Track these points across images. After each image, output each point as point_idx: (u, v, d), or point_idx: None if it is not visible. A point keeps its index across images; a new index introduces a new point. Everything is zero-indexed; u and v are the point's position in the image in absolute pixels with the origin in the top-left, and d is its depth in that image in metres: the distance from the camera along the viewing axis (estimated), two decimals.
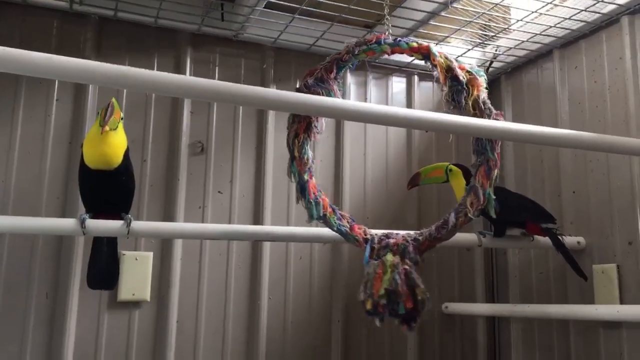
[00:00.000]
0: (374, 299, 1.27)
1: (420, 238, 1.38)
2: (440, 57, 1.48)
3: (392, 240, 1.38)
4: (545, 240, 1.97)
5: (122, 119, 1.63)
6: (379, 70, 2.56)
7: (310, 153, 1.60)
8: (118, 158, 1.61)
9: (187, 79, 1.22)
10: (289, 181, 1.60)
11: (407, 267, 1.30)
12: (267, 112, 2.31)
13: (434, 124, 1.37)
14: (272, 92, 1.17)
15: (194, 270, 2.13)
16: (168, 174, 2.15)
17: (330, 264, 2.33)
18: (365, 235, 1.47)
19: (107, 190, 1.64)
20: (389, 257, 1.33)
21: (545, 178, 2.33)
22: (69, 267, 1.96)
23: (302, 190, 1.57)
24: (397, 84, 2.60)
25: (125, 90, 2.14)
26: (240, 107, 2.29)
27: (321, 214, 1.55)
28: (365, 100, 2.51)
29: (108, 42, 2.15)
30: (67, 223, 1.53)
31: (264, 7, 2.08)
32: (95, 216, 1.62)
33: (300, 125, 1.61)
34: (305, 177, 1.57)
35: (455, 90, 1.46)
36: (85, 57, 2.06)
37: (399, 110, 1.48)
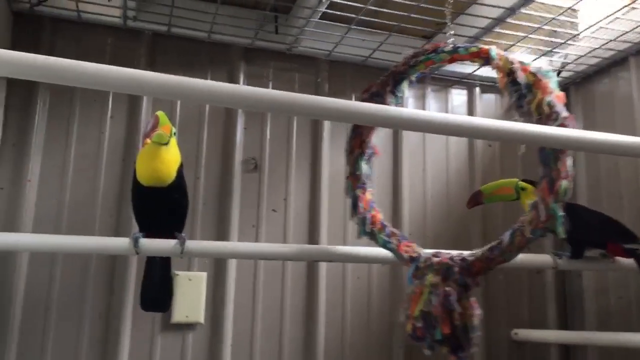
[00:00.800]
0: (412, 321, 1.22)
1: (470, 259, 1.28)
2: (501, 59, 1.36)
3: (436, 260, 1.29)
4: (629, 262, 1.80)
5: (174, 134, 1.59)
6: (438, 82, 2.46)
7: (365, 168, 1.54)
8: (171, 174, 1.57)
9: (243, 88, 1.15)
10: (345, 198, 1.56)
11: (448, 288, 1.21)
12: (321, 127, 2.25)
13: (491, 132, 1.20)
14: (329, 100, 1.08)
15: (249, 291, 2.06)
16: (221, 191, 2.11)
17: (389, 284, 2.24)
18: (413, 253, 1.39)
19: (161, 208, 1.59)
20: (429, 277, 1.26)
21: (622, 193, 2.16)
22: (123, 288, 1.93)
23: (354, 206, 1.53)
24: (458, 96, 2.49)
25: (178, 107, 2.11)
26: (294, 123, 2.23)
27: (368, 230, 1.50)
28: None
29: (161, 58, 2.14)
30: (120, 242, 1.48)
31: (319, 19, 2.02)
32: (148, 235, 1.57)
33: (356, 141, 1.57)
34: (358, 192, 1.53)
35: (519, 95, 1.34)
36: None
37: (459, 118, 1.30)
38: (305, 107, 1.12)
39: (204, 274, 2.01)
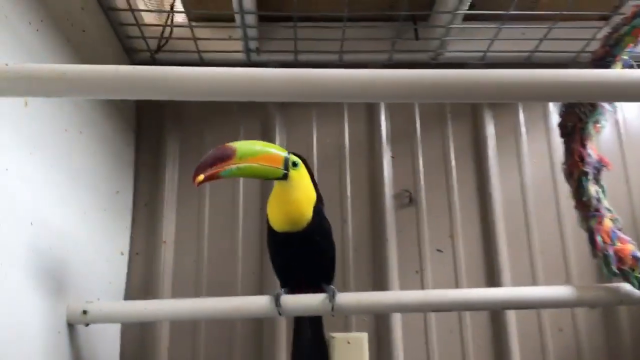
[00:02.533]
0: None
1: None
2: None
3: None
4: None
5: (293, 164, 1.33)
6: None
7: (592, 191, 1.19)
8: (305, 215, 1.31)
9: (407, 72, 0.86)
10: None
11: None
12: (485, 144, 1.88)
13: None
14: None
15: (420, 353, 1.70)
16: (374, 234, 1.81)
17: (604, 335, 1.73)
18: None
19: (301, 257, 1.34)
20: None
21: None
22: (273, 354, 1.66)
23: (591, 241, 1.24)
24: None
25: (314, 143, 1.87)
26: (450, 143, 1.90)
27: (615, 270, 1.17)
28: None
29: None
30: (260, 302, 1.24)
31: (464, 21, 1.72)
32: (292, 290, 1.31)
33: (572, 160, 1.27)
34: (592, 223, 1.23)
35: None
36: (268, 106, 1.88)
37: None
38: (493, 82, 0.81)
39: (365, 335, 1.67)
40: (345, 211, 1.83)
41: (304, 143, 1.90)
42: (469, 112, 1.94)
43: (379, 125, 1.90)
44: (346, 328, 1.71)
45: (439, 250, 1.80)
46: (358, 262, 1.78)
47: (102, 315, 1.27)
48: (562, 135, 1.25)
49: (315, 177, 1.40)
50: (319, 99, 0.98)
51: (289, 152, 1.33)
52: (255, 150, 1.27)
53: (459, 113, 1.94)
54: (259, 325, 1.71)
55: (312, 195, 1.34)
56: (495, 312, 1.73)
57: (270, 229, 1.34)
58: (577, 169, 1.17)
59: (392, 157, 1.89)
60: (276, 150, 1.31)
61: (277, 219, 1.32)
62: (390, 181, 1.86)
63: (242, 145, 1.27)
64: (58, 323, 1.24)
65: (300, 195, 1.31)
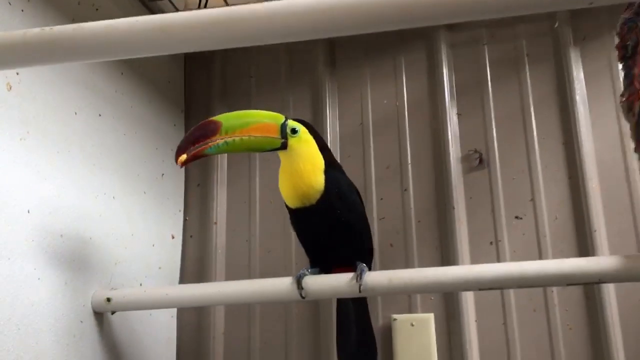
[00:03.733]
0: None
1: None
2: None
3: None
4: None
5: (294, 131, 1.18)
6: None
7: None
8: (315, 186, 1.16)
9: None
10: (628, 182, 0.96)
11: None
12: (573, 88, 1.59)
13: None
14: None
15: (498, 336, 1.48)
16: (439, 201, 1.62)
17: None
18: None
19: (323, 233, 1.20)
20: None
21: None
22: (330, 342, 1.54)
23: None
24: None
25: (369, 104, 1.71)
26: (530, 92, 1.64)
27: None
28: None
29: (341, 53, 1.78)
30: (281, 284, 1.11)
31: None
32: (324, 270, 1.18)
33: (633, 90, 0.99)
34: None
35: None
36: (317, 71, 1.75)
37: None
38: None
39: (431, 316, 1.51)
40: (405, 178, 1.65)
41: (358, 107, 1.74)
42: (550, 52, 1.65)
43: (441, 79, 1.68)
44: (410, 308, 1.55)
45: (517, 218, 1.56)
46: (422, 235, 1.60)
47: (125, 302, 1.23)
48: (621, 59, 0.98)
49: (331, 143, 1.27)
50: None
51: (286, 118, 1.19)
52: (244, 122, 1.16)
53: (538, 54, 1.66)
54: (314, 309, 1.61)
55: (319, 162, 1.18)
56: (589, 287, 1.46)
57: (287, 207, 1.22)
58: (638, 100, 0.90)
59: (458, 115, 1.67)
60: (270, 119, 1.18)
61: (288, 194, 1.19)
62: (456, 142, 1.65)
63: (228, 118, 1.16)
64: (83, 311, 1.23)
65: (304, 164, 1.17)
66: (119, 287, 1.33)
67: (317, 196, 1.15)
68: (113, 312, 1.29)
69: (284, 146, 1.17)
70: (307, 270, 1.17)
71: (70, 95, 1.29)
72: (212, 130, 1.12)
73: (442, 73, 1.69)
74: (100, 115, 1.38)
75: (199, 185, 1.78)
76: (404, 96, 1.72)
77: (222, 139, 1.13)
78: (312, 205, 1.15)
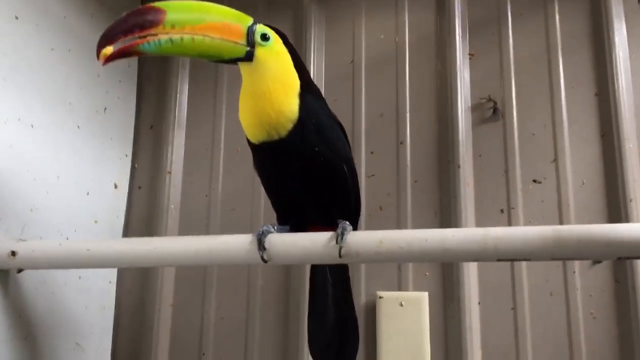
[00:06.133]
0: None
1: None
2: None
3: None
4: None
5: (264, 38, 0.91)
6: None
7: None
8: (285, 111, 0.90)
9: None
10: None
11: None
12: (611, 26, 1.33)
13: None
14: None
15: (506, 323, 1.26)
16: (441, 158, 1.37)
17: None
18: None
19: (292, 178, 0.93)
20: None
21: None
22: (300, 318, 1.30)
23: None
24: None
25: (363, 35, 1.44)
26: (558, 31, 1.38)
27: None
28: None
29: None
30: (238, 243, 0.85)
31: None
32: (298, 230, 0.92)
33: None
34: None
35: None
36: None
37: None
38: None
39: (425, 295, 1.26)
40: (402, 129, 1.40)
41: (349, 42, 1.48)
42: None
43: (452, 12, 1.42)
44: (400, 284, 1.30)
45: (535, 182, 1.31)
46: (418, 198, 1.35)
47: (35, 259, 0.97)
48: None
49: (302, 59, 0.96)
50: None
51: (255, 22, 0.92)
52: (197, 17, 0.87)
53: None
54: (283, 279, 1.36)
55: (293, 81, 0.92)
56: (616, 263, 1.22)
57: (249, 142, 0.95)
58: None
59: (470, 56, 1.41)
60: (234, 19, 0.90)
61: (249, 122, 0.92)
62: (466, 87, 1.39)
63: (177, 8, 0.87)
64: None
65: (273, 82, 0.90)
66: (32, 240, 1.06)
67: (289, 126, 0.89)
68: (19, 270, 1.03)
69: (248, 57, 0.90)
70: (274, 228, 0.92)
71: None
72: (153, 20, 0.84)
73: (453, 4, 1.42)
74: (17, 18, 1.10)
75: (152, 127, 1.51)
76: (405, 30, 1.46)
77: (166, 33, 0.85)
78: (282, 139, 0.89)
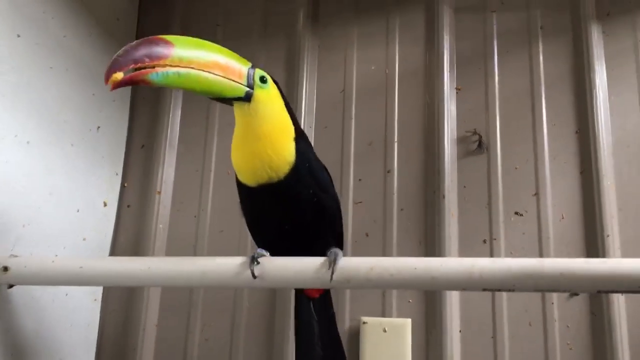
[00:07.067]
0: None
1: None
2: None
3: None
4: None
5: (263, 80, 0.96)
6: None
7: None
8: (285, 154, 0.94)
9: None
10: None
11: None
12: (592, 68, 1.42)
13: None
14: None
15: (485, 351, 1.29)
16: (427, 188, 1.42)
17: None
18: None
19: (286, 217, 0.97)
20: None
21: None
22: (285, 341, 1.32)
23: None
24: None
25: (354, 67, 1.50)
26: (541, 69, 1.46)
27: None
28: None
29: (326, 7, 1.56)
30: (226, 264, 0.89)
31: None
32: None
33: None
34: None
35: None
36: (296, 24, 1.55)
37: None
38: None
39: (408, 322, 1.30)
40: (390, 158, 1.44)
41: (340, 71, 1.53)
42: (568, 26, 1.47)
43: (441, 47, 1.48)
44: (384, 312, 1.34)
45: (517, 214, 1.37)
46: (404, 226, 1.39)
47: (27, 274, 0.98)
48: None
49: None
50: None
51: (252, 65, 0.96)
52: (204, 54, 0.91)
53: (554, 28, 1.48)
54: (269, 303, 1.38)
55: (289, 126, 0.96)
56: (596, 296, 1.28)
57: (240, 184, 0.97)
58: None
59: (457, 89, 1.47)
60: (236, 59, 0.95)
61: (246, 166, 0.95)
62: (453, 120, 1.45)
63: (185, 43, 0.91)
64: None
65: (273, 125, 0.94)
66: (22, 256, 1.08)
67: (286, 169, 0.92)
68: (10, 286, 1.04)
69: (247, 97, 0.94)
70: (263, 251, 0.95)
71: None
72: (163, 51, 0.87)
73: (443, 40, 1.49)
74: (19, 36, 1.13)
75: (144, 147, 1.54)
76: (395, 63, 1.51)
77: (174, 66, 0.89)
78: (280, 181, 0.92)
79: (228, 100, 0.96)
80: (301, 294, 1.06)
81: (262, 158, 0.92)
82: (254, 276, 0.90)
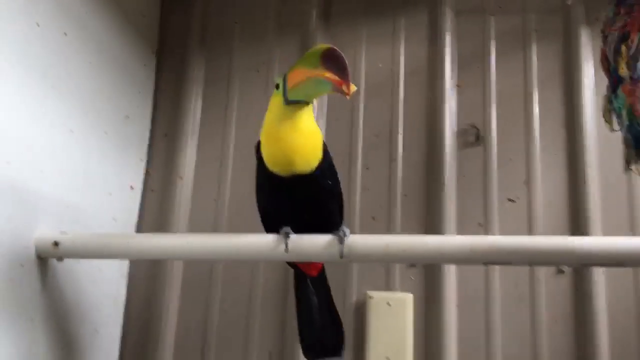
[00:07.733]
0: None
1: None
2: None
3: None
4: None
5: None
6: None
7: None
8: (319, 152, 1.07)
9: None
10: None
11: None
12: (580, 69, 1.56)
13: None
14: None
15: (478, 323, 1.44)
16: (429, 177, 1.56)
17: None
18: None
19: (307, 205, 1.10)
20: None
21: None
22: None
23: (637, 141, 1.00)
24: None
25: (363, 62, 1.64)
26: (534, 69, 1.60)
27: None
28: None
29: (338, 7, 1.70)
30: (263, 240, 1.03)
31: None
32: None
33: (634, 19, 1.00)
34: None
35: None
36: (308, 25, 1.68)
37: None
38: None
39: (409, 296, 1.45)
40: (394, 148, 1.58)
41: (350, 68, 1.64)
42: (560, 30, 1.61)
43: (443, 47, 1.62)
44: (388, 286, 1.49)
45: (510, 200, 1.52)
46: (407, 210, 1.54)
47: (76, 249, 1.12)
48: None
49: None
50: None
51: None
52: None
53: (547, 31, 1.62)
54: (283, 287, 1.52)
55: (319, 130, 1.10)
56: (580, 270, 1.43)
57: (266, 172, 1.08)
58: (637, 33, 0.86)
59: (458, 86, 1.61)
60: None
61: (284, 159, 1.05)
62: (453, 114, 1.59)
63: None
64: (24, 254, 1.11)
65: (314, 124, 1.08)
66: (71, 232, 1.21)
67: (316, 163, 1.06)
68: (60, 259, 1.17)
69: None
70: (289, 229, 1.09)
71: (30, 3, 1.16)
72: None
73: (445, 40, 1.63)
74: (66, 34, 1.25)
75: (167, 135, 1.67)
76: (400, 61, 1.65)
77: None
78: (311, 173, 1.05)
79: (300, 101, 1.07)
80: (301, 273, 1.20)
81: (302, 153, 1.05)
82: (286, 250, 1.04)
